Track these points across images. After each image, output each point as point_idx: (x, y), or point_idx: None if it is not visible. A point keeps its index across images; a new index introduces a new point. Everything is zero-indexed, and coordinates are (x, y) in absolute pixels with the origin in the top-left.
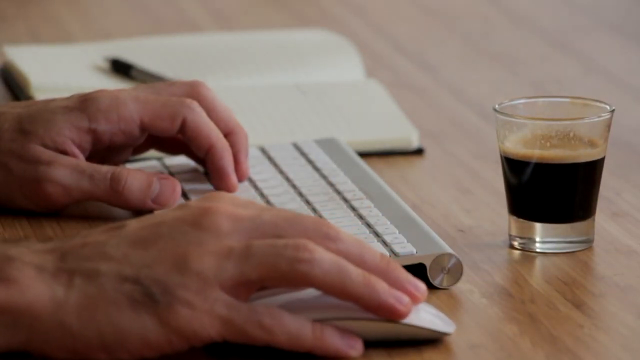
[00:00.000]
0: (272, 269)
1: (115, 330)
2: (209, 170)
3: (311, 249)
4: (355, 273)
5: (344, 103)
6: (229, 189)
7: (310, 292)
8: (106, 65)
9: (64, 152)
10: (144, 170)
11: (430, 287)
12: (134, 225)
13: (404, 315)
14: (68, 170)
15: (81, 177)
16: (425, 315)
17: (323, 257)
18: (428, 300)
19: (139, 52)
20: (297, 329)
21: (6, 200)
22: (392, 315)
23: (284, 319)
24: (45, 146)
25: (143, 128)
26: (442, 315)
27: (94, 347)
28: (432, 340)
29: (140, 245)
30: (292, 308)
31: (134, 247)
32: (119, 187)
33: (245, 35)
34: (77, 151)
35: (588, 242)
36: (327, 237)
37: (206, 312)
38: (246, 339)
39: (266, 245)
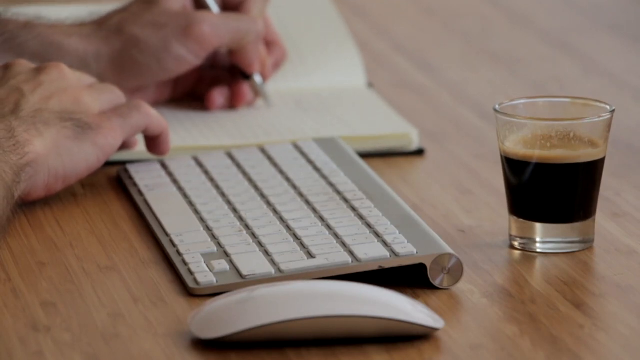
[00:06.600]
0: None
1: (72, 158)
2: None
3: None
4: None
5: (344, 111)
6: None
7: (312, 290)
8: None
9: None
10: None
11: (431, 287)
12: (25, 87)
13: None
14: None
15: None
16: (417, 314)
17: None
18: (428, 300)
19: None
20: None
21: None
22: (163, 141)
23: (149, 110)
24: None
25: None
26: (431, 312)
27: (58, 177)
28: (430, 339)
29: (43, 100)
30: (296, 303)
31: (42, 102)
32: None
33: None
34: None
35: (588, 242)
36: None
37: (108, 128)
38: (138, 129)
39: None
